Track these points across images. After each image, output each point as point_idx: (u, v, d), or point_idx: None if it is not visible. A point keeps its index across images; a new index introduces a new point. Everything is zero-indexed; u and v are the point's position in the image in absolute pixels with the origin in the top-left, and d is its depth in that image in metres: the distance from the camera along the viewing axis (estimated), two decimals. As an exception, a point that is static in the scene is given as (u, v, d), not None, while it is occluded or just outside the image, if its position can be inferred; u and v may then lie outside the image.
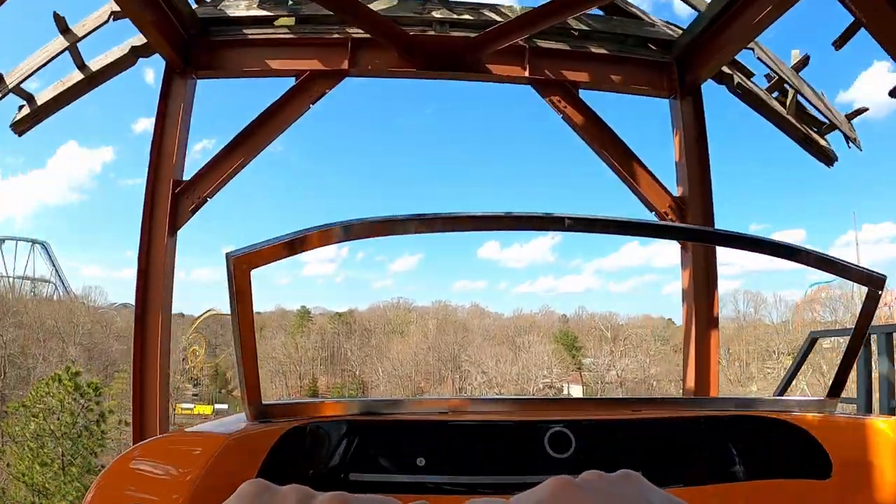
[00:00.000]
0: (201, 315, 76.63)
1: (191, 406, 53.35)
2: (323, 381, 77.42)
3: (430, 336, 72.64)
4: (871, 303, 1.32)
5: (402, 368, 70.16)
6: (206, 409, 53.27)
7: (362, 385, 71.39)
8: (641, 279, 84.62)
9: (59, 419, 22.03)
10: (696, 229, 1.47)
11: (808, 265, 1.31)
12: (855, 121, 5.24)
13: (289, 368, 73.49)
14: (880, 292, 1.30)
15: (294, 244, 1.12)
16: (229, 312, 1.13)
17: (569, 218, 1.24)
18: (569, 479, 0.48)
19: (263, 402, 1.23)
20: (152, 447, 1.08)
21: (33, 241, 74.77)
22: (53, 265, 73.15)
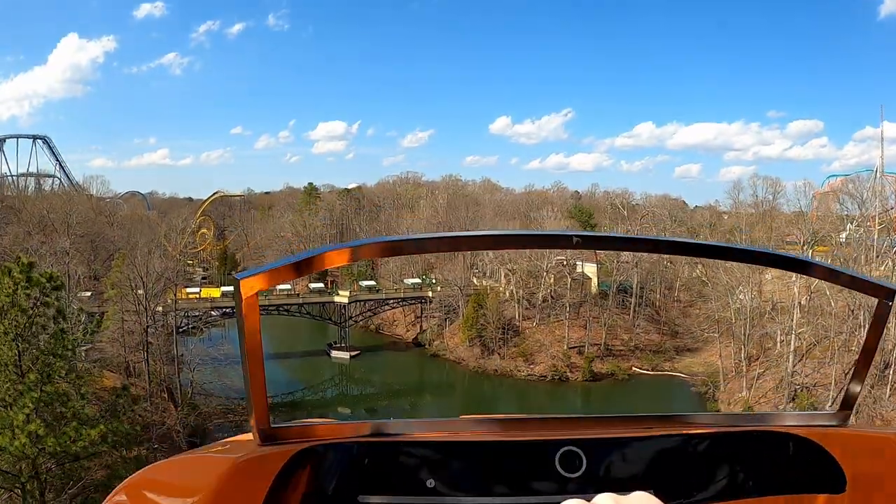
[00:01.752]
0: (209, 198, 75.48)
1: (196, 290, 53.24)
2: (331, 259, 76.87)
3: (440, 211, 70.42)
4: (881, 314, 1.27)
5: (411, 245, 68.86)
6: (214, 292, 53.28)
7: (371, 261, 71.20)
8: (654, 160, 79.82)
9: (9, 317, 19.90)
10: (701, 245, 1.32)
11: (818, 278, 1.29)
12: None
13: (297, 247, 72.94)
14: (891, 304, 1.24)
15: (301, 266, 1.13)
16: (237, 332, 1.14)
17: (576, 236, 1.23)
18: (581, 503, 0.48)
19: (272, 425, 1.22)
20: (161, 469, 1.09)
21: (34, 137, 72.49)
22: (57, 159, 71.79)
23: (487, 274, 66.32)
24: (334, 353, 60.30)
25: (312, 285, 63.23)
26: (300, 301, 58.32)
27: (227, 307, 52.52)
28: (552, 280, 63.27)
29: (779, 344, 53.73)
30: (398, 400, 51.97)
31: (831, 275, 1.26)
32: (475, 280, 66.13)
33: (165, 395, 41.12)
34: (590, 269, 63.36)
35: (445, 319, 63.98)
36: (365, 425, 1.31)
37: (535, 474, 1.26)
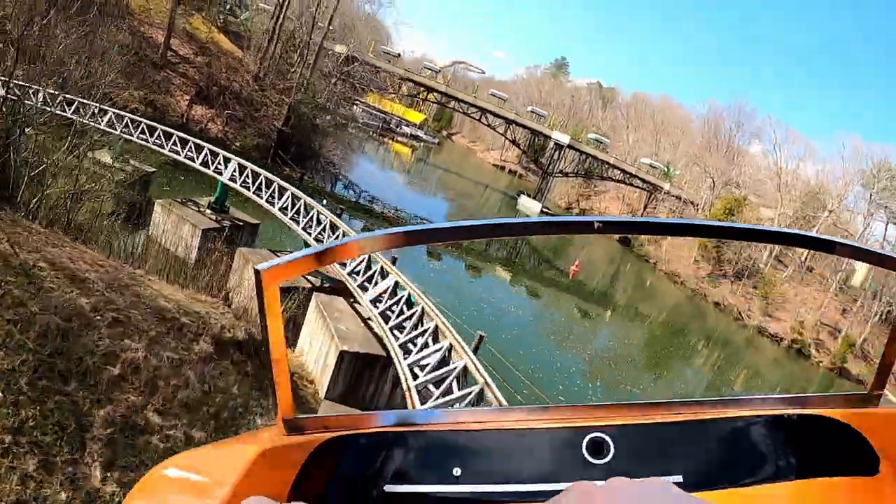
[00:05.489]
0: None
1: None
2: None
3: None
4: None
5: None
6: None
7: None
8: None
9: None
10: (724, 227, 1.13)
11: (843, 256, 1.18)
12: None
13: None
14: None
15: (321, 256, 1.10)
16: (259, 325, 1.13)
17: (598, 221, 1.14)
18: (591, 485, 0.49)
19: (296, 416, 1.19)
20: (181, 462, 1.09)
21: None
22: None
23: None
24: None
25: None
26: None
27: None
28: None
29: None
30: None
31: (859, 253, 1.17)
32: None
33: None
34: None
35: None
36: (391, 415, 1.26)
37: (563, 461, 1.21)
